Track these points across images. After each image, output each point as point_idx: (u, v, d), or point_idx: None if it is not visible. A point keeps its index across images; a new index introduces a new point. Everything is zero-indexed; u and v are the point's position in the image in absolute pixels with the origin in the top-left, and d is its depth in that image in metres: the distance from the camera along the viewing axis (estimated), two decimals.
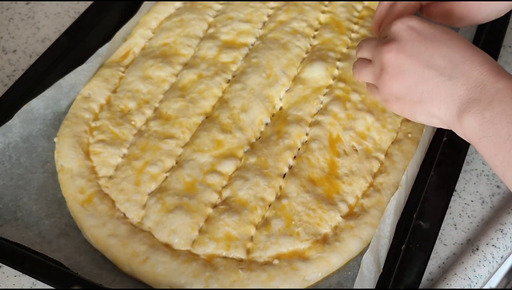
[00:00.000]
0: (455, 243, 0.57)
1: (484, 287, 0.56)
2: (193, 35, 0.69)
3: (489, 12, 0.57)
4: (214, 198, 0.56)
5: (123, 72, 0.66)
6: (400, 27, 0.51)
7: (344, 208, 0.54)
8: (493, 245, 0.56)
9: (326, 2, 0.72)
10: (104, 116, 0.62)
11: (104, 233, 0.53)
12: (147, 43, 0.69)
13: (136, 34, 0.69)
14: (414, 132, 0.60)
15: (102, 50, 0.66)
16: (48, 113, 0.62)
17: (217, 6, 0.72)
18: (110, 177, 0.58)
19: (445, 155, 0.57)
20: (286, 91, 0.64)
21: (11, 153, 0.60)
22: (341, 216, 0.54)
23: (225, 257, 0.52)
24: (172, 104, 0.62)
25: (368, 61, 0.55)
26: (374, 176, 0.57)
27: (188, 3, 0.72)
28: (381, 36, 0.55)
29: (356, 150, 0.58)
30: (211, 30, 0.70)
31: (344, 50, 0.67)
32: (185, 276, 0.50)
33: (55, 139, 0.60)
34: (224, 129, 0.60)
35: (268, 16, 0.71)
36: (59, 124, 0.62)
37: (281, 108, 0.63)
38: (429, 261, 0.54)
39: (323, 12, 0.71)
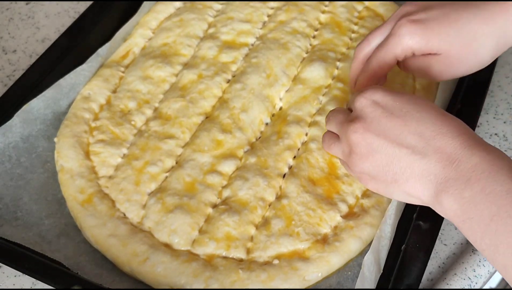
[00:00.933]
0: (455, 243, 0.57)
1: (484, 287, 0.56)
2: (193, 35, 0.69)
3: (471, 65, 0.52)
4: (214, 198, 0.56)
5: (123, 72, 0.66)
6: (363, 103, 0.48)
7: (344, 208, 0.54)
8: None
9: (327, 2, 0.72)
10: (104, 116, 0.62)
11: (104, 233, 0.53)
12: (147, 43, 0.69)
13: (136, 34, 0.69)
14: None
15: (102, 50, 0.66)
16: (48, 113, 0.62)
17: (217, 6, 0.72)
18: (110, 177, 0.58)
19: None
20: (286, 91, 0.64)
21: (11, 153, 0.60)
22: (341, 216, 0.54)
23: (225, 257, 0.52)
24: (172, 104, 0.62)
25: (337, 136, 0.51)
26: None
27: (188, 3, 0.73)
28: (348, 106, 0.53)
29: None
30: (211, 30, 0.70)
31: (344, 50, 0.67)
32: (185, 276, 0.50)
33: (55, 139, 0.60)
34: (224, 129, 0.60)
35: (268, 16, 0.71)
36: (59, 124, 0.62)
37: (281, 108, 0.63)
38: (429, 261, 0.54)
39: (323, 12, 0.71)
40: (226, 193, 0.56)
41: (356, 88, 0.57)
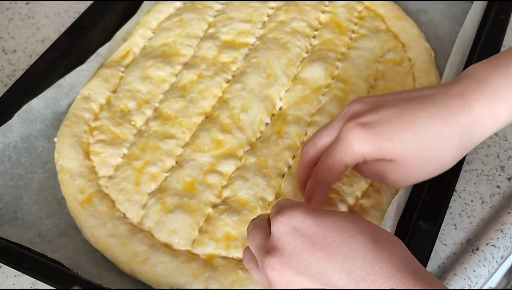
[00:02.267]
0: (455, 243, 0.57)
1: (484, 287, 0.56)
2: (193, 35, 0.69)
3: (431, 170, 0.46)
4: (214, 198, 0.56)
5: (123, 72, 0.66)
6: (281, 230, 0.41)
7: (343, 209, 0.54)
8: (493, 245, 0.56)
9: (327, 3, 0.71)
10: (104, 116, 0.62)
11: (104, 233, 0.53)
12: (147, 43, 0.69)
13: (136, 34, 0.69)
14: None
15: (102, 50, 0.66)
16: (48, 113, 0.62)
17: (217, 6, 0.72)
18: (110, 177, 0.58)
19: None
20: (286, 91, 0.64)
21: (11, 153, 0.60)
22: None
23: (224, 257, 0.52)
24: (172, 104, 0.62)
25: (255, 260, 0.44)
26: None
27: (188, 3, 0.72)
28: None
29: None
30: (211, 30, 0.69)
31: (344, 50, 0.67)
32: (184, 276, 0.50)
33: (55, 139, 0.60)
34: (224, 129, 0.60)
35: (268, 16, 0.71)
36: (59, 124, 0.62)
37: (281, 108, 0.63)
38: (429, 261, 0.54)
39: (323, 12, 0.71)
40: (226, 193, 0.56)
41: (306, 195, 0.50)
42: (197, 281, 0.50)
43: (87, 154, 0.59)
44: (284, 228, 0.41)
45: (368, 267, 0.38)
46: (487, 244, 0.56)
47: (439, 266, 0.55)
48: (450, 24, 0.71)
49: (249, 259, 0.45)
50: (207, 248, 0.52)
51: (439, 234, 0.53)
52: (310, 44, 0.68)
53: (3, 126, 0.59)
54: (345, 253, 0.38)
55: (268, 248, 0.41)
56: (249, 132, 0.60)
